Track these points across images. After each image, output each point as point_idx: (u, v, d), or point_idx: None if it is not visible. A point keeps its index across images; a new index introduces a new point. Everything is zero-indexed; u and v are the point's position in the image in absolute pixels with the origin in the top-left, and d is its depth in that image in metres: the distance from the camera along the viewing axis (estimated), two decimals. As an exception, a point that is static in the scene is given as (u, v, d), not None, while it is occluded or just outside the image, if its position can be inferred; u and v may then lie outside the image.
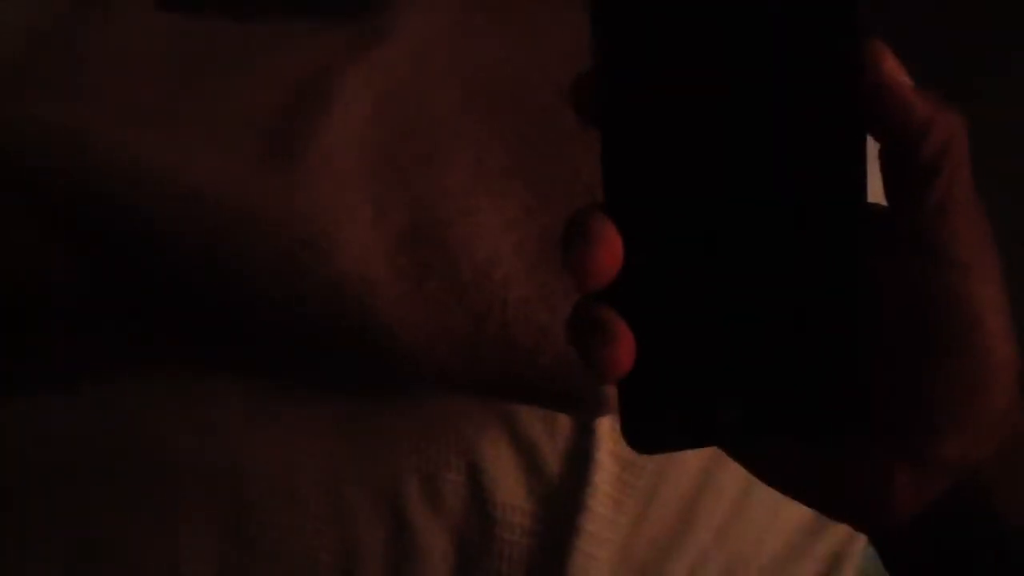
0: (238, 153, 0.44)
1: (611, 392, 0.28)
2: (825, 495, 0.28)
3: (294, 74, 0.45)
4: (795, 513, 0.51)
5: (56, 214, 0.43)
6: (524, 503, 0.44)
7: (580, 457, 0.45)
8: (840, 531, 0.52)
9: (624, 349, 0.24)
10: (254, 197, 0.42)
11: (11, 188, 0.43)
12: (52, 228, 0.43)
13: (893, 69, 0.24)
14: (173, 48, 0.47)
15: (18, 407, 0.44)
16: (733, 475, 0.47)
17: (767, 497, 0.49)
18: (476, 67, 0.45)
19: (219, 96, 0.46)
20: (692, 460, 0.47)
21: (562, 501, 0.45)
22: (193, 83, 0.46)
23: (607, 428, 0.44)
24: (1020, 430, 0.26)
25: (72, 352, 0.45)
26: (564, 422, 0.45)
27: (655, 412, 0.26)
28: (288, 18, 0.47)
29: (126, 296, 0.44)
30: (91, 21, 0.49)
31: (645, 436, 0.26)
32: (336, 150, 0.43)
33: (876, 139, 0.25)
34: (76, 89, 0.46)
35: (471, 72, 0.45)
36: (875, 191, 0.26)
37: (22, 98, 0.45)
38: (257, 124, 0.44)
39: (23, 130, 0.44)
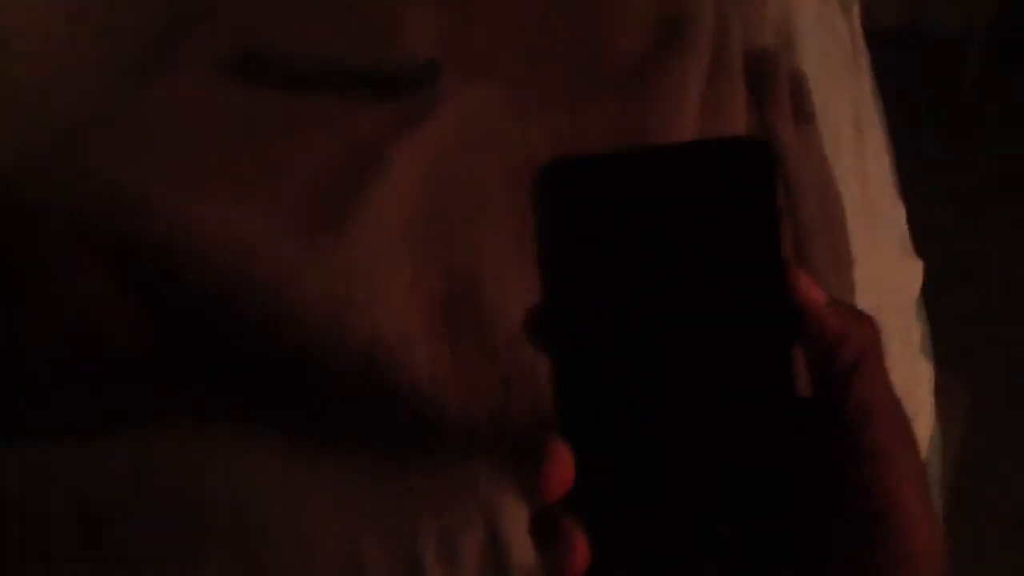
0: (292, 212, 0.46)
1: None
2: None
3: (349, 144, 0.48)
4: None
5: (116, 265, 0.45)
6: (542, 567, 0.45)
7: None
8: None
9: (580, 555, 0.27)
10: (302, 254, 0.44)
11: (78, 240, 0.45)
12: (113, 279, 0.45)
13: (808, 290, 0.28)
14: (234, 114, 0.50)
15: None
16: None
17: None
18: (520, 146, 0.48)
19: (277, 159, 0.48)
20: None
21: None
22: (252, 146, 0.49)
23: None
24: None
25: (120, 399, 0.46)
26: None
27: None
28: (342, 93, 0.51)
29: (179, 345, 0.45)
30: (157, 86, 0.52)
31: None
32: (385, 213, 0.46)
33: (801, 349, 0.28)
34: (139, 150, 0.49)
35: (515, 151, 0.48)
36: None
37: (88, 158, 0.48)
38: (311, 187, 0.47)
39: (88, 187, 0.46)
